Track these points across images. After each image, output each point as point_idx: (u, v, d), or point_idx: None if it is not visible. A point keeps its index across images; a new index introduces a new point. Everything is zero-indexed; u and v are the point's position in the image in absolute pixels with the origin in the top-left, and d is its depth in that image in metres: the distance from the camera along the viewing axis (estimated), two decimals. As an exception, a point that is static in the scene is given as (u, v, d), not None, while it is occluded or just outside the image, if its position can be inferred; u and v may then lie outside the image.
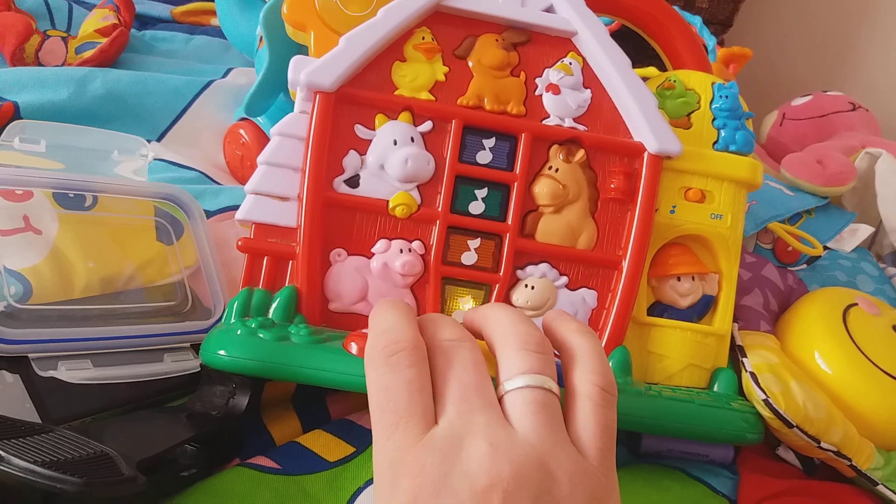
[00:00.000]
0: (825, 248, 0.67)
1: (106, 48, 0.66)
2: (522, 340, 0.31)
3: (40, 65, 0.66)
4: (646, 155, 0.46)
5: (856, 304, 0.53)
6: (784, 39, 1.09)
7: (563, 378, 0.32)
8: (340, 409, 0.45)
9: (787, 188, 0.69)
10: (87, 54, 0.65)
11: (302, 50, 0.47)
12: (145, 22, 0.82)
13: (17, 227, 0.44)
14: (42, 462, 0.29)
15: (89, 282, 0.45)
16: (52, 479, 0.28)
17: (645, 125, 0.45)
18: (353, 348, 0.39)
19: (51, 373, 0.38)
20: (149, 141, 0.62)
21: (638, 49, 0.68)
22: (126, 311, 0.45)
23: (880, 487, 0.45)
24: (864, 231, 0.68)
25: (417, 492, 0.27)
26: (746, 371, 0.46)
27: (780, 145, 0.84)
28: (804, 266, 0.64)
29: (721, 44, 0.75)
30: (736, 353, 0.48)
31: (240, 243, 0.43)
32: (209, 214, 0.55)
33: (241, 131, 0.62)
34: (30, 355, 0.39)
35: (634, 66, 0.47)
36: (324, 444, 0.41)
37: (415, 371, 0.30)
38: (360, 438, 0.42)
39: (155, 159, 0.60)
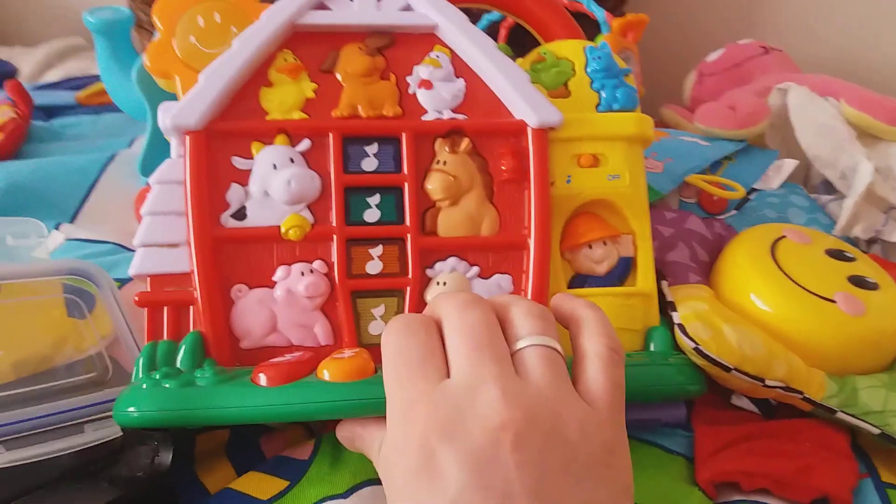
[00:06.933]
0: (753, 189, 0.66)
1: (2, 142, 0.65)
2: (526, 309, 0.33)
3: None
4: (529, 130, 0.45)
5: (784, 237, 0.52)
6: (687, -2, 1.10)
7: (571, 345, 0.34)
8: (275, 448, 0.44)
9: (702, 139, 0.69)
10: (-15, 152, 0.65)
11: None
12: (52, 112, 0.82)
13: (-88, 330, 0.43)
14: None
15: (0, 370, 0.44)
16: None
17: (521, 102, 0.45)
18: (262, 379, 0.38)
19: (-45, 466, 0.37)
20: (58, 225, 0.61)
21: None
22: (43, 392, 0.44)
23: (839, 415, 0.44)
24: (789, 165, 0.68)
25: (431, 432, 0.27)
26: (675, 324, 0.45)
27: (702, 104, 0.84)
28: (734, 212, 0.63)
29: (622, 15, 0.75)
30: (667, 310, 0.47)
31: (136, 299, 0.42)
32: (125, 281, 0.54)
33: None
34: (-65, 454, 0.38)
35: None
36: (256, 483, 0.40)
37: (429, 337, 0.31)
38: (294, 471, 0.41)
39: (68, 240, 0.59)
